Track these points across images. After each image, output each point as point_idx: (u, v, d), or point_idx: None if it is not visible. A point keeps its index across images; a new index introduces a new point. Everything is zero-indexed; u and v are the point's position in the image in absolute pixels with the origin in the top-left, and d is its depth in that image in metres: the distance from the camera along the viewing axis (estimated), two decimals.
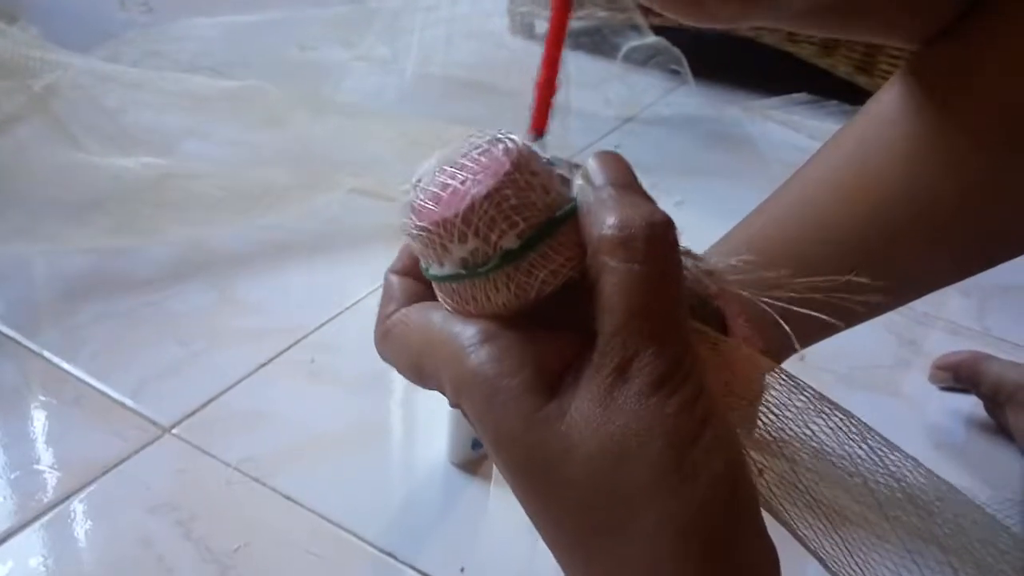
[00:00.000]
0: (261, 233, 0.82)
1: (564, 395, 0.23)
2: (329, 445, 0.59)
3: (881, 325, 0.64)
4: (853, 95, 1.10)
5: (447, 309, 0.26)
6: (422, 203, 0.24)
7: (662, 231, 0.24)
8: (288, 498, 0.54)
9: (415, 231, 0.25)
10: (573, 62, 1.19)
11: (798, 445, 0.31)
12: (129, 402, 0.61)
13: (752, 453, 0.31)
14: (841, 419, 0.31)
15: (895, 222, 0.44)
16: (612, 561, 0.23)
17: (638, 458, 0.22)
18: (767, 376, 0.30)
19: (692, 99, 1.24)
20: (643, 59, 1.22)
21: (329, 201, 0.88)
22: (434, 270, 0.25)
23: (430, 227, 0.24)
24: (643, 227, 0.23)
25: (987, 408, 0.66)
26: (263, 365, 0.65)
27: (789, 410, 0.31)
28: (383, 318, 0.29)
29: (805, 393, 0.31)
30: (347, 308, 0.73)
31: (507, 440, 0.24)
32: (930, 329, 0.77)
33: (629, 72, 1.25)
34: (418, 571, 0.50)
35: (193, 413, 0.60)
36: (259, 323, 0.70)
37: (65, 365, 0.64)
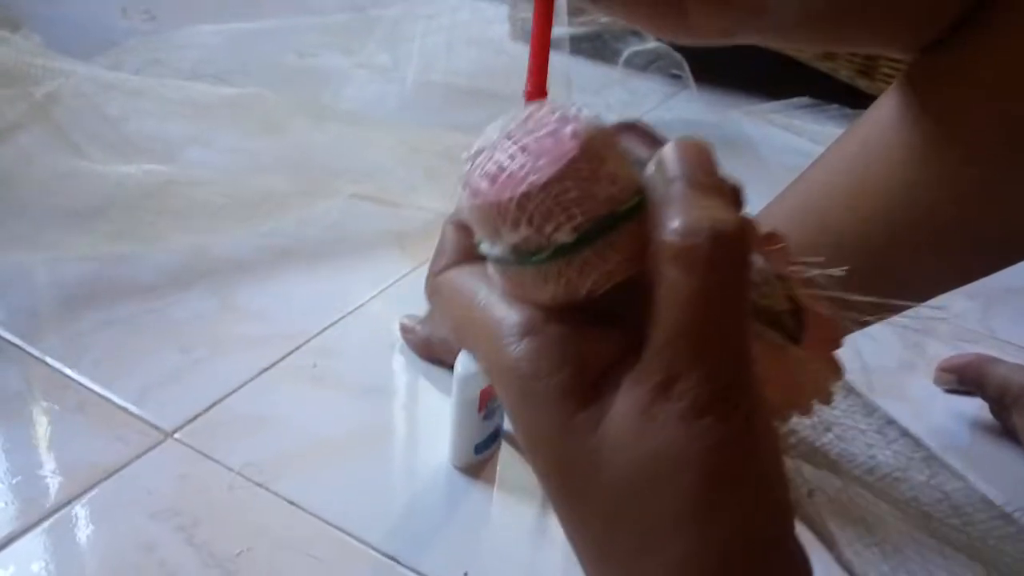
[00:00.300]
0: (262, 240, 0.82)
1: (600, 404, 0.22)
2: (332, 450, 0.59)
3: (885, 327, 0.63)
4: (854, 99, 1.10)
5: (496, 285, 0.24)
6: (477, 179, 0.22)
7: (730, 243, 0.21)
8: (291, 503, 0.54)
9: (467, 207, 0.23)
10: (574, 68, 1.19)
11: (854, 464, 0.30)
12: (131, 407, 0.60)
13: (804, 470, 0.30)
14: (905, 443, 0.30)
15: (895, 228, 0.44)
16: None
17: (667, 487, 0.21)
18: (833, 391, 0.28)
19: (693, 104, 1.24)
20: (644, 64, 1.22)
21: (330, 208, 0.88)
22: (485, 247, 0.24)
23: (482, 207, 0.22)
24: (708, 237, 0.21)
25: (993, 411, 0.66)
26: (265, 370, 0.65)
27: (851, 430, 0.30)
28: (433, 272, 0.27)
29: (875, 414, 0.29)
30: (349, 313, 0.73)
31: (537, 441, 0.23)
32: (934, 332, 0.77)
33: (630, 77, 1.25)
34: (422, 575, 0.50)
35: (195, 418, 0.60)
36: (261, 329, 0.70)
37: (67, 371, 0.63)
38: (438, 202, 0.90)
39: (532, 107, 0.23)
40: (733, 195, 0.24)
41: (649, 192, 0.22)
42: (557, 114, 0.22)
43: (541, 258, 0.22)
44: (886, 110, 0.45)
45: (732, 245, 0.21)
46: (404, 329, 0.69)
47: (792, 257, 0.26)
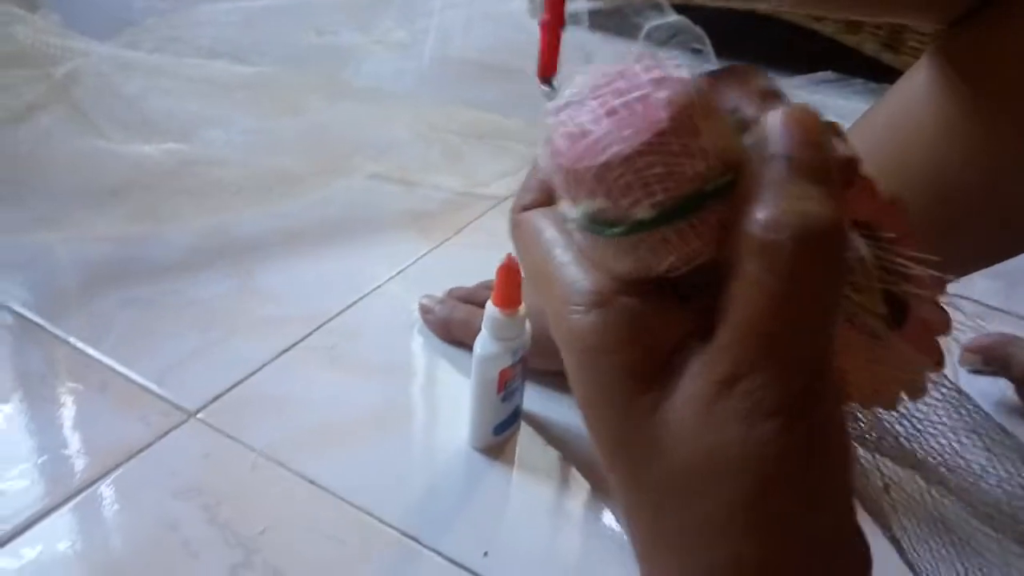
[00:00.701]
0: (281, 220, 0.82)
1: (663, 388, 0.21)
2: (352, 430, 0.59)
3: None
4: (879, 73, 1.08)
5: (574, 243, 0.23)
6: (558, 138, 0.20)
7: (819, 243, 0.19)
8: (312, 482, 0.54)
9: (545, 165, 0.21)
10: (594, 43, 1.18)
11: (937, 460, 0.29)
12: (154, 387, 0.61)
13: (882, 465, 0.28)
14: (995, 439, 0.28)
15: (925, 204, 0.43)
16: (665, 572, 0.22)
17: (722, 487, 0.20)
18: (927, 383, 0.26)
19: None
20: (665, 38, 1.20)
21: (348, 186, 0.88)
22: (564, 208, 0.22)
23: (559, 168, 0.21)
24: (793, 236, 0.19)
25: (1018, 391, 0.65)
26: (285, 351, 0.66)
27: (936, 426, 0.28)
28: (518, 206, 0.25)
29: (964, 408, 0.28)
30: (368, 294, 0.73)
31: (594, 413, 0.22)
32: (957, 312, 0.76)
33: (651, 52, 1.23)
34: (441, 555, 0.50)
35: (217, 398, 0.61)
36: (280, 310, 0.70)
37: (90, 351, 0.64)
38: (456, 181, 0.90)
39: (627, 60, 0.21)
40: (842, 177, 0.21)
41: (745, 166, 0.20)
42: (653, 73, 0.20)
43: (616, 232, 0.20)
44: (917, 84, 0.44)
45: (822, 245, 0.19)
46: (423, 309, 0.69)
47: (908, 229, 0.24)
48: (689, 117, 0.19)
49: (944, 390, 0.26)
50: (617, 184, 0.19)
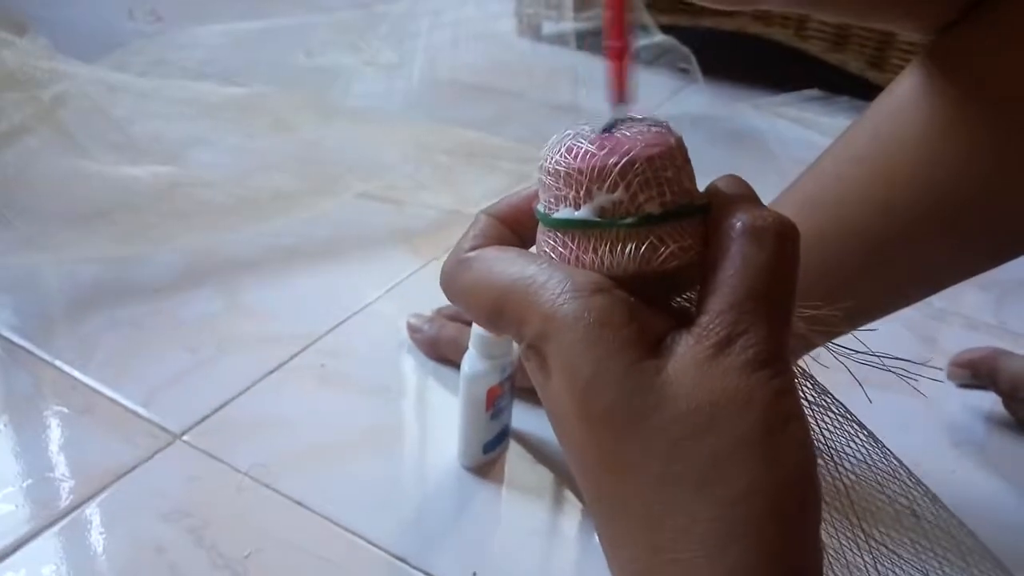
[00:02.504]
0: (270, 240, 0.82)
1: (664, 356, 0.24)
2: (340, 450, 0.58)
3: (897, 321, 0.63)
4: (864, 91, 1.09)
5: (548, 258, 0.26)
6: (583, 146, 0.25)
7: (792, 231, 0.25)
8: (299, 503, 0.54)
9: (563, 169, 0.25)
10: (581, 63, 1.18)
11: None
12: (140, 409, 0.61)
13: None
14: (866, 438, 0.31)
15: (912, 213, 0.43)
16: (683, 516, 0.23)
17: (731, 427, 0.23)
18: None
19: (701, 97, 1.23)
20: (652, 58, 1.21)
21: (337, 206, 0.88)
22: (562, 213, 0.26)
23: (583, 168, 0.25)
24: (775, 223, 0.25)
25: (1006, 405, 0.65)
26: (273, 371, 0.65)
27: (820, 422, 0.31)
28: (462, 250, 0.28)
29: (833, 410, 0.31)
30: (357, 312, 0.73)
31: (600, 382, 0.24)
32: (947, 325, 0.76)
33: (638, 71, 1.24)
34: (430, 575, 0.50)
35: (204, 419, 0.60)
36: (269, 329, 0.70)
37: (76, 374, 0.64)
38: (445, 200, 0.90)
39: (624, 114, 0.27)
40: None
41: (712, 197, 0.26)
42: (650, 121, 0.26)
43: (628, 222, 0.25)
44: (900, 96, 0.44)
45: (793, 233, 0.25)
46: (412, 328, 0.68)
47: None
48: (684, 149, 0.26)
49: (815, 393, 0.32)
50: (639, 179, 0.24)
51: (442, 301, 0.70)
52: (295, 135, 0.98)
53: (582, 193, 0.25)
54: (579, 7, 1.25)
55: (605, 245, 0.25)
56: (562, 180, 0.25)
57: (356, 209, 0.88)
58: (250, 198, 0.85)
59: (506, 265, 0.26)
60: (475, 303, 0.27)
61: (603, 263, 0.25)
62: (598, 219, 0.25)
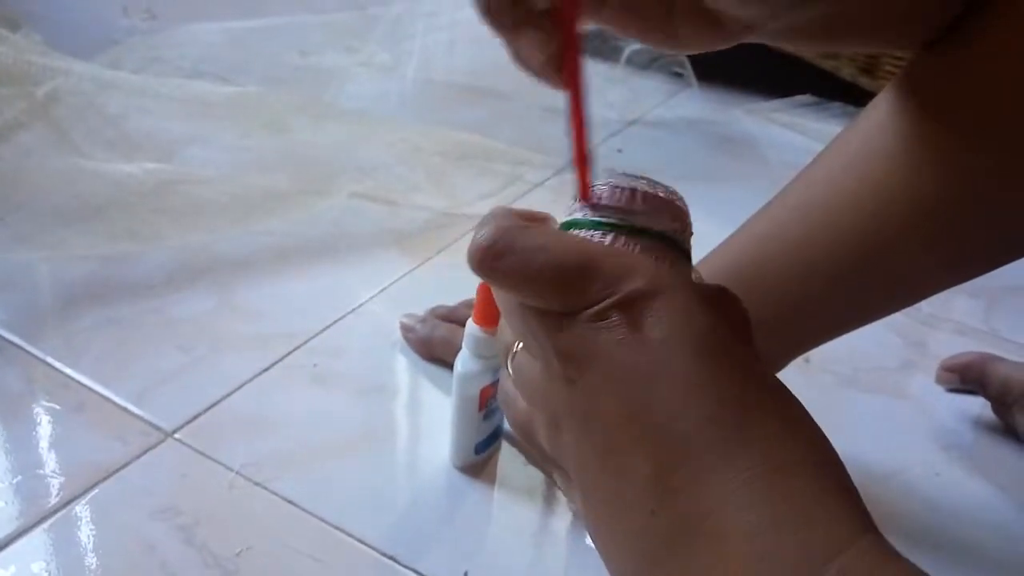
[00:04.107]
0: (263, 238, 0.82)
1: None
2: (331, 449, 0.59)
3: (887, 326, 0.63)
4: (856, 97, 1.09)
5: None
6: (623, 180, 0.32)
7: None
8: (290, 502, 0.54)
9: (619, 186, 0.31)
10: None
11: None
12: (132, 407, 0.60)
13: None
14: None
15: (897, 223, 0.44)
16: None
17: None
18: None
19: (695, 102, 1.24)
20: (646, 62, 1.22)
21: (331, 206, 0.88)
22: (600, 216, 0.31)
23: (642, 195, 0.31)
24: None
25: (995, 410, 0.65)
26: (265, 370, 0.65)
27: None
28: (508, 216, 0.30)
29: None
30: (349, 312, 0.73)
31: (720, 331, 0.27)
32: (936, 330, 0.77)
33: (632, 75, 1.25)
34: (421, 575, 0.50)
35: (195, 418, 0.60)
36: (261, 328, 0.70)
37: (68, 371, 0.63)
38: (439, 201, 0.90)
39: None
40: None
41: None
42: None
43: (649, 234, 0.31)
44: (886, 107, 0.44)
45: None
46: (404, 328, 0.69)
47: None
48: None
49: None
50: (670, 212, 0.31)
51: (434, 301, 0.70)
52: (289, 135, 0.98)
53: (620, 209, 0.31)
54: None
55: (618, 242, 0.30)
56: (607, 197, 0.31)
57: (349, 209, 0.88)
58: (243, 197, 0.85)
59: (562, 239, 0.29)
60: (551, 260, 0.28)
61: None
62: (622, 225, 0.31)
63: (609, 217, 0.31)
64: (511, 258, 0.28)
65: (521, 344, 0.32)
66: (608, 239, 0.30)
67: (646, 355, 0.27)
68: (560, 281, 0.28)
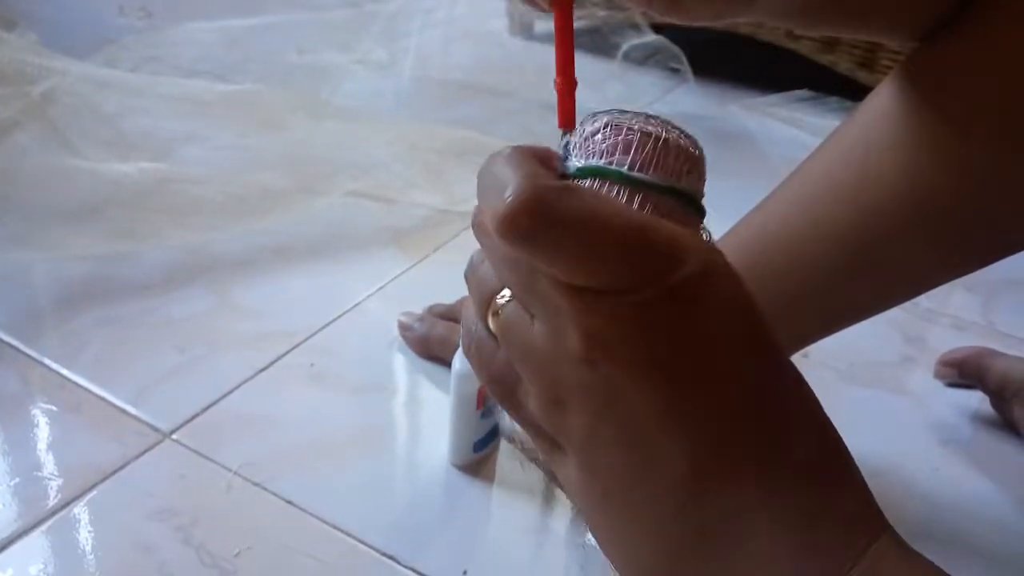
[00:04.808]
0: (260, 237, 0.82)
1: None
2: (330, 449, 0.58)
3: (885, 321, 0.63)
4: (854, 91, 1.09)
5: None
6: (647, 125, 0.28)
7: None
8: (289, 502, 0.54)
9: (684, 145, 0.28)
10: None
11: None
12: (129, 408, 0.60)
13: None
14: None
15: (896, 217, 0.44)
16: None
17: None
18: None
19: (692, 97, 1.23)
20: (643, 57, 1.22)
21: (328, 205, 0.88)
22: (622, 170, 0.27)
23: (664, 141, 0.28)
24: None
25: (993, 404, 0.65)
26: (263, 369, 0.65)
27: None
28: (545, 176, 0.25)
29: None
30: (347, 311, 0.73)
31: (765, 317, 0.27)
32: (935, 325, 0.77)
33: (629, 71, 1.24)
34: (420, 574, 0.50)
35: (193, 418, 0.60)
36: (258, 327, 0.70)
37: (65, 371, 0.63)
38: (436, 199, 0.90)
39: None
40: None
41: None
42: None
43: (659, 187, 0.27)
44: (885, 99, 0.44)
45: None
46: (402, 327, 0.68)
47: None
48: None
49: None
50: (698, 171, 0.28)
51: (432, 299, 0.70)
52: (286, 133, 0.97)
53: (640, 158, 0.27)
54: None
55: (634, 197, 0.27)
56: (618, 140, 0.27)
57: (346, 208, 0.88)
58: (241, 196, 0.85)
59: (611, 200, 0.25)
60: (604, 226, 0.24)
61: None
62: (647, 181, 0.27)
63: (642, 174, 0.26)
64: (556, 230, 0.24)
65: (509, 296, 0.27)
66: (637, 200, 0.26)
67: (692, 351, 0.25)
68: (618, 247, 0.24)
